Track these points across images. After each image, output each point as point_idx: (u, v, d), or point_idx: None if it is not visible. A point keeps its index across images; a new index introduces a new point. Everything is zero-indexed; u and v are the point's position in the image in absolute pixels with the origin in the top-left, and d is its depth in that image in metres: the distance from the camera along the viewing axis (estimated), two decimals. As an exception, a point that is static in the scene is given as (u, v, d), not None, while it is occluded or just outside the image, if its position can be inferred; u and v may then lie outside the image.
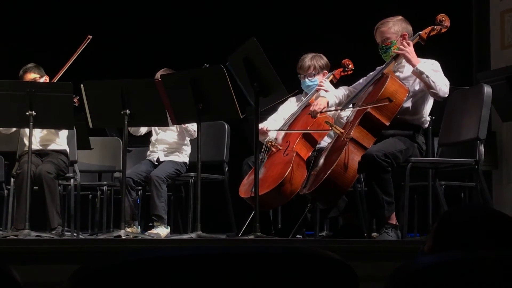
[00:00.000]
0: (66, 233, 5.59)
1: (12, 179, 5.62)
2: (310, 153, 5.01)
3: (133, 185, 5.52)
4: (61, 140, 5.74)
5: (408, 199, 4.69)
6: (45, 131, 5.67)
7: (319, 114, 4.81)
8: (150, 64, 6.40)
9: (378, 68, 4.81)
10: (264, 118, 5.27)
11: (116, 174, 6.39)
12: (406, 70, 4.66)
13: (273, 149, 5.07)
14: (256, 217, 4.41)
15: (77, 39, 5.84)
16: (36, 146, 5.58)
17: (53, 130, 5.65)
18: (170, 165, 5.69)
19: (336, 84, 5.23)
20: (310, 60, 5.26)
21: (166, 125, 5.25)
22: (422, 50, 4.68)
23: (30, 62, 5.82)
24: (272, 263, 1.36)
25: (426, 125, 4.73)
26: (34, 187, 5.36)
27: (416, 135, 4.61)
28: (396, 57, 4.66)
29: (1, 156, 6.53)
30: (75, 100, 5.33)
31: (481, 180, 4.66)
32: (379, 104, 4.46)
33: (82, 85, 5.11)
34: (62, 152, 5.69)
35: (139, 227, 5.67)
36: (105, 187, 6.44)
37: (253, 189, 4.54)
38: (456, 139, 4.87)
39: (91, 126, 5.22)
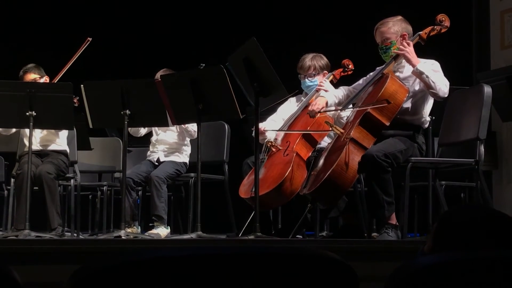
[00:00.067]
0: (66, 233, 5.60)
1: (12, 180, 5.62)
2: (310, 153, 5.01)
3: (133, 185, 5.52)
4: (61, 141, 5.74)
5: (408, 199, 4.68)
6: (45, 132, 5.68)
7: (317, 114, 4.81)
8: (150, 64, 6.40)
9: (378, 68, 4.81)
10: (264, 118, 5.27)
11: (116, 175, 6.39)
12: (406, 70, 4.66)
13: (273, 149, 5.07)
14: (256, 217, 4.41)
15: (77, 39, 5.84)
16: (36, 146, 5.58)
17: (53, 131, 5.66)
18: (170, 165, 5.69)
19: (336, 84, 5.23)
20: (311, 60, 5.25)
21: (166, 125, 5.25)
22: (422, 50, 4.68)
23: (30, 62, 5.82)
24: (272, 264, 1.36)
25: (426, 125, 4.73)
26: (34, 188, 5.36)
27: (416, 135, 4.61)
28: (396, 57, 4.66)
29: (1, 157, 6.54)
30: (75, 100, 5.33)
31: (481, 180, 4.66)
32: (378, 106, 4.46)
33: (82, 85, 5.11)
34: (62, 153, 5.69)
35: (139, 227, 5.67)
36: (105, 187, 6.45)
37: (253, 189, 4.54)
38: (456, 139, 4.87)
39: (91, 126, 5.22)
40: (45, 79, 5.74)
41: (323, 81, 5.15)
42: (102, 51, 7.41)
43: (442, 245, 1.64)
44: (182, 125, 5.62)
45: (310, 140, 5.04)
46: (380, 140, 4.53)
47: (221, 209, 5.78)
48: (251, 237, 4.34)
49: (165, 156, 5.78)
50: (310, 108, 4.86)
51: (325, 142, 5.15)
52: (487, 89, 4.64)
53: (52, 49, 7.43)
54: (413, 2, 7.28)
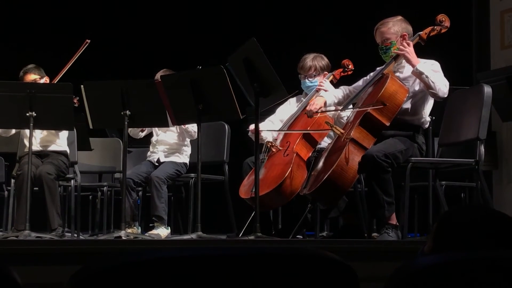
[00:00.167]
0: (66, 234, 5.60)
1: (13, 180, 5.63)
2: (310, 154, 5.01)
3: (133, 185, 5.52)
4: (61, 141, 5.74)
5: (409, 199, 4.69)
6: (45, 132, 5.68)
7: (315, 114, 4.80)
8: (150, 64, 6.40)
9: (378, 68, 4.81)
10: (263, 119, 5.27)
11: (117, 175, 6.39)
12: (406, 70, 4.66)
13: (273, 150, 5.07)
14: (256, 218, 4.41)
15: (77, 40, 5.84)
16: (36, 147, 5.58)
17: (53, 131, 5.66)
18: (170, 165, 5.69)
19: (336, 84, 5.23)
20: (312, 60, 5.25)
21: (166, 125, 5.25)
22: (422, 50, 4.68)
23: (30, 63, 5.83)
24: (273, 264, 1.36)
25: (426, 126, 4.73)
26: (35, 188, 5.36)
27: (416, 135, 4.61)
28: (396, 57, 4.66)
29: (1, 157, 6.54)
30: (75, 101, 5.33)
31: (481, 180, 4.66)
32: (373, 107, 4.46)
33: (82, 86, 5.11)
34: (62, 153, 5.69)
35: (140, 227, 5.67)
36: (105, 188, 6.45)
37: (253, 190, 4.54)
38: (456, 139, 4.87)
39: (91, 127, 5.22)
40: (45, 80, 5.74)
41: (323, 81, 5.15)
42: (102, 52, 7.42)
43: (442, 245, 1.64)
44: (182, 126, 5.62)
45: (310, 141, 5.04)
46: (380, 140, 4.53)
47: (221, 209, 5.78)
48: (251, 237, 4.34)
49: (165, 156, 5.78)
50: (308, 108, 4.87)
51: (325, 142, 5.15)
52: (487, 89, 4.64)
53: (52, 50, 7.43)
54: (413, 2, 7.29)
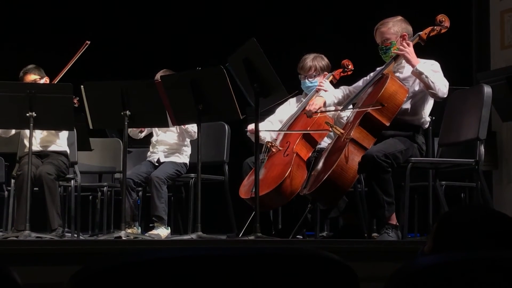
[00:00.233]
0: (66, 234, 5.60)
1: (13, 180, 5.63)
2: (310, 154, 5.01)
3: (133, 186, 5.52)
4: (61, 141, 5.74)
5: (409, 200, 4.69)
6: (45, 132, 5.68)
7: (314, 114, 4.80)
8: (150, 65, 6.40)
9: (378, 68, 4.81)
10: (263, 119, 5.27)
11: (117, 175, 6.39)
12: (406, 70, 4.66)
13: (273, 150, 5.07)
14: (256, 218, 4.41)
15: (77, 40, 5.84)
16: (36, 147, 5.58)
17: (53, 131, 5.66)
18: (170, 166, 5.69)
19: (335, 84, 5.23)
20: (312, 61, 5.25)
21: (166, 126, 5.25)
22: (422, 51, 4.68)
23: (30, 63, 5.82)
24: (273, 264, 1.36)
25: (426, 126, 4.73)
26: (35, 188, 5.36)
27: (416, 136, 4.61)
28: (396, 57, 4.66)
29: (1, 158, 6.54)
30: (75, 101, 5.33)
31: (481, 180, 4.66)
32: (372, 108, 4.46)
33: (82, 86, 5.11)
34: (63, 153, 5.69)
35: (140, 228, 5.67)
36: (105, 188, 6.45)
37: (253, 190, 4.54)
38: (456, 139, 4.87)
39: (91, 127, 5.22)
40: (45, 80, 5.74)
41: (323, 81, 5.15)
42: (102, 52, 7.42)
43: (442, 245, 1.64)
44: (182, 126, 5.62)
45: (310, 141, 5.04)
46: (380, 140, 4.53)
47: (221, 209, 5.78)
48: (251, 237, 4.34)
49: (165, 156, 5.78)
50: (307, 108, 4.87)
51: (325, 142, 5.15)
52: (487, 89, 4.64)
53: (52, 50, 7.43)
54: (413, 2, 7.29)
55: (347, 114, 4.97)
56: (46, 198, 5.35)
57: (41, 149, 5.67)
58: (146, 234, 5.37)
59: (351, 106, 4.78)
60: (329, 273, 1.40)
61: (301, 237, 5.29)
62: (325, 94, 4.94)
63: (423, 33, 4.68)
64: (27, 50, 7.63)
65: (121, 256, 1.29)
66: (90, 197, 6.97)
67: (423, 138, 4.68)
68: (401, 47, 4.57)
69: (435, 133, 5.21)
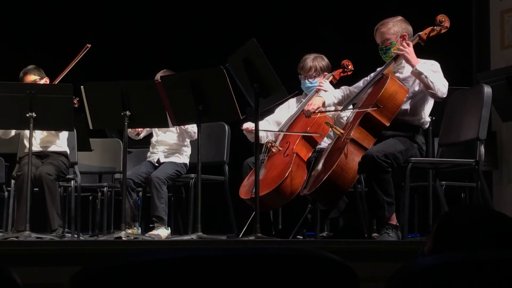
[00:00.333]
0: (66, 234, 5.59)
1: (13, 181, 5.63)
2: (310, 154, 5.01)
3: (133, 186, 5.52)
4: (61, 142, 5.74)
5: (409, 200, 4.69)
6: (45, 133, 5.68)
7: (312, 114, 4.80)
8: (150, 65, 6.41)
9: (378, 69, 4.81)
10: (263, 119, 5.27)
11: (117, 175, 6.39)
12: (406, 70, 4.66)
13: (273, 150, 5.07)
14: (256, 218, 4.41)
15: (77, 40, 5.84)
16: (36, 147, 5.58)
17: (53, 132, 5.66)
18: (170, 166, 5.69)
19: (335, 84, 5.23)
20: (312, 61, 5.25)
21: (166, 126, 5.25)
22: (422, 51, 4.68)
23: (30, 63, 5.82)
24: (273, 264, 1.36)
25: (426, 126, 4.73)
26: (35, 189, 5.36)
27: (416, 136, 4.61)
28: (396, 57, 4.66)
29: (1, 158, 6.54)
30: (75, 101, 5.33)
31: (482, 180, 4.66)
32: (369, 109, 4.46)
33: (82, 86, 5.11)
34: (63, 154, 5.69)
35: (140, 228, 5.67)
36: (105, 188, 6.45)
37: (254, 190, 4.54)
38: (456, 140, 4.87)
39: (91, 127, 5.22)
40: (45, 81, 5.74)
41: (322, 82, 5.15)
42: (102, 52, 7.42)
43: (442, 245, 1.64)
44: (182, 126, 5.62)
45: (310, 141, 5.04)
46: (380, 140, 4.54)
47: (222, 210, 5.78)
48: (252, 238, 4.34)
49: (165, 157, 5.78)
50: (305, 108, 4.86)
51: (325, 142, 5.15)
52: (487, 89, 4.64)
53: (52, 50, 7.44)
54: (413, 2, 7.29)
55: (347, 114, 4.96)
56: (46, 198, 5.35)
57: (41, 149, 5.67)
58: (146, 235, 5.37)
59: (351, 106, 4.78)
60: (329, 273, 1.40)
61: (301, 237, 5.29)
62: (325, 94, 4.94)
63: (423, 33, 4.68)
64: (27, 50, 7.63)
65: (121, 257, 1.29)
66: (90, 197, 6.97)
67: (423, 138, 4.68)
68: (401, 47, 4.57)
69: (435, 133, 5.21)
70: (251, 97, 4.59)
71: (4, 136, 5.63)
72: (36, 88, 5.19)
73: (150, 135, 5.94)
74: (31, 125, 5.05)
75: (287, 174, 4.78)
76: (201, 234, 4.65)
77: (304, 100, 5.27)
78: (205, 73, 4.87)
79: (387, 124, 4.50)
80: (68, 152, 5.74)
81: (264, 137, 5.21)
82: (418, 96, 4.62)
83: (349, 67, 5.33)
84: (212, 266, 1.32)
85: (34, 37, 8.06)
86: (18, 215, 5.32)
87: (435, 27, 4.68)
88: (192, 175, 5.60)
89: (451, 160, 4.94)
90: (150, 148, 5.91)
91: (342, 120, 5.04)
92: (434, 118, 4.98)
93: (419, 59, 4.54)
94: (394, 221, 4.44)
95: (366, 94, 4.74)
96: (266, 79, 4.51)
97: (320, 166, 4.68)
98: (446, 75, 4.56)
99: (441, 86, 4.46)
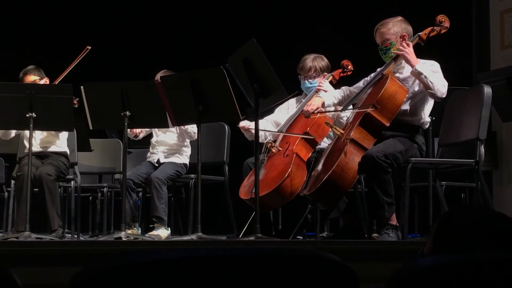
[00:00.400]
0: (66, 235, 5.59)
1: (13, 181, 5.63)
2: (310, 154, 5.01)
3: (133, 186, 5.52)
4: (61, 142, 5.74)
5: (409, 200, 4.68)
6: (45, 133, 5.68)
7: (311, 114, 4.80)
8: (150, 65, 6.40)
9: (378, 69, 4.81)
10: (262, 118, 5.27)
11: (117, 176, 6.39)
12: (406, 71, 4.66)
13: (273, 150, 5.07)
14: (256, 218, 4.41)
15: (77, 41, 5.84)
16: (36, 148, 5.58)
17: (53, 132, 5.66)
18: (170, 166, 5.69)
19: (335, 85, 5.23)
20: (312, 61, 5.25)
21: (166, 126, 5.25)
22: (422, 51, 4.68)
23: (30, 64, 5.82)
24: (273, 265, 1.36)
25: (426, 126, 4.73)
26: (35, 189, 5.36)
27: (416, 136, 4.61)
28: (396, 58, 4.66)
29: (1, 158, 6.54)
30: (75, 101, 5.33)
31: (482, 180, 4.66)
32: (366, 110, 4.46)
33: (82, 87, 5.11)
34: (62, 154, 5.69)
35: (140, 228, 5.67)
36: (105, 188, 6.45)
37: (253, 190, 4.54)
38: (456, 140, 4.87)
39: (91, 127, 5.22)
40: (45, 81, 5.74)
41: (322, 82, 5.15)
42: (102, 52, 7.41)
43: (442, 246, 1.63)
44: (182, 127, 5.62)
45: (310, 141, 5.04)
46: (380, 140, 4.54)
47: (222, 210, 5.78)
48: (252, 238, 4.34)
49: (165, 157, 5.78)
50: (305, 108, 4.86)
51: (325, 143, 5.15)
52: (487, 90, 4.64)
53: (52, 51, 7.43)
54: (413, 2, 7.29)
55: (347, 114, 4.96)
56: (46, 199, 5.35)
57: (41, 149, 5.67)
58: (146, 235, 5.37)
59: (351, 107, 4.78)
60: (329, 273, 1.40)
61: (301, 237, 5.29)
62: (325, 94, 4.94)
63: (423, 34, 4.68)
64: (27, 50, 7.63)
65: (121, 257, 1.29)
66: (90, 197, 6.97)
67: (423, 138, 4.68)
68: (401, 47, 4.57)
69: (435, 133, 5.21)
70: (251, 97, 4.59)
71: (5, 137, 5.63)
72: (36, 89, 5.19)
73: (150, 136, 5.94)
74: (31, 125, 5.05)
75: (287, 174, 4.78)
76: (201, 234, 4.65)
77: (304, 101, 5.27)
78: (205, 73, 4.87)
79: (387, 124, 4.50)
80: (68, 152, 5.74)
81: (262, 136, 5.20)
82: (418, 97, 4.62)
83: (349, 67, 5.33)
84: (212, 267, 1.32)
85: (34, 38, 8.06)
86: (18, 215, 5.32)
87: (435, 27, 4.68)
88: (192, 176, 5.60)
89: (451, 160, 4.94)
90: (150, 148, 5.91)
91: (342, 120, 5.04)
92: (434, 118, 4.98)
93: (419, 59, 4.54)
94: (394, 221, 4.44)
95: (366, 94, 4.74)
96: (266, 79, 4.51)
97: (320, 166, 4.68)
98: (446, 75, 4.56)
99: (441, 86, 4.46)
